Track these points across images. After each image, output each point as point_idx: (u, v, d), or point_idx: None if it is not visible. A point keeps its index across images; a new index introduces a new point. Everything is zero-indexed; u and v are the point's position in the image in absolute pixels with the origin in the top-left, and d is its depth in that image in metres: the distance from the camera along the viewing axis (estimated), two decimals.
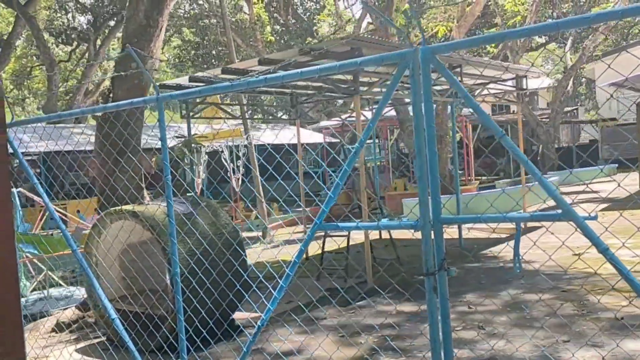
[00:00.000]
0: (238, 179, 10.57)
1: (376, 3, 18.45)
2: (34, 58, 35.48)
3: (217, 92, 2.59)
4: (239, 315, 5.78)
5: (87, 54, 31.07)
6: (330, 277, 7.72)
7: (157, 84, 8.99)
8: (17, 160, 3.24)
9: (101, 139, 6.72)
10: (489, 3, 18.42)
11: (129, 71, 6.80)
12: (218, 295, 5.11)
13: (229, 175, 10.05)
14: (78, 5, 27.75)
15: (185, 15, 29.36)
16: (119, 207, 5.20)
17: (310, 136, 19.84)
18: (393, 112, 15.24)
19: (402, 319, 5.39)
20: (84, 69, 24.06)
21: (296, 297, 6.35)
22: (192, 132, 9.46)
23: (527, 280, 6.41)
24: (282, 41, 25.22)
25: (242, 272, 5.30)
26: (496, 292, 6.10)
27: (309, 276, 7.15)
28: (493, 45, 16.97)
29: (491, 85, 9.35)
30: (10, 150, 3.36)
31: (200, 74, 8.00)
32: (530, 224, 10.27)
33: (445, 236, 2.30)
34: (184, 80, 7.93)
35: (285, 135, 19.86)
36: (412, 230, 2.26)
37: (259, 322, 2.92)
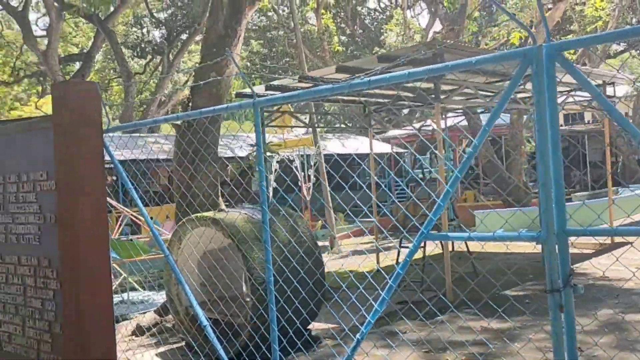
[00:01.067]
0: (308, 187, 10.53)
1: (447, 12, 18.12)
2: (111, 71, 37.01)
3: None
4: (314, 326, 5.68)
5: (160, 67, 32.14)
6: (403, 289, 7.50)
7: (234, 92, 9.12)
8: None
9: (184, 146, 6.84)
10: (566, 9, 17.74)
11: (209, 79, 6.89)
12: (298, 304, 5.03)
13: (299, 184, 10.02)
14: (153, 20, 28.80)
15: (253, 27, 29.85)
16: (200, 214, 5.22)
17: (377, 146, 19.63)
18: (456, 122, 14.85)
19: (489, 336, 5.12)
20: (158, 81, 24.89)
21: (368, 309, 6.18)
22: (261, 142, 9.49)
23: (622, 299, 5.98)
24: (349, 51, 25.21)
25: (322, 281, 5.20)
26: (590, 311, 5.71)
27: (377, 288, 6.96)
28: (571, 51, 16.30)
29: (578, 92, 8.90)
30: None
31: (276, 82, 8.03)
32: (616, 240, 9.69)
33: (518, 249, 2.10)
34: (259, 89, 7.97)
35: (351, 144, 19.77)
36: (482, 243, 2.07)
37: (357, 335, 2.79)
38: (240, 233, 4.84)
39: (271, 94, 7.94)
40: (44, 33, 26.42)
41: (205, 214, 5.22)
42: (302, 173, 10.18)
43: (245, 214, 5.19)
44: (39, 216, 3.42)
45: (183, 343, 5.67)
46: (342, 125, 12.69)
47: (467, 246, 7.80)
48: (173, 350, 5.62)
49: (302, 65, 13.16)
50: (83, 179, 3.14)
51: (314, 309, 5.29)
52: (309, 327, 5.54)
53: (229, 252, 5.76)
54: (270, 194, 10.09)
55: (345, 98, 8.39)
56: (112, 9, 22.17)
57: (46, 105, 32.84)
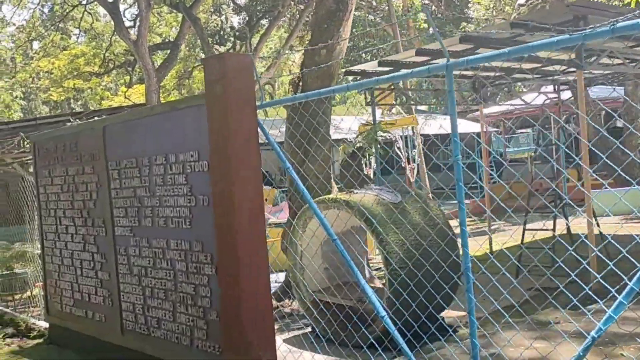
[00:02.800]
0: (413, 168, 10.15)
1: None
2: (194, 60, 37.73)
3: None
4: (447, 313, 5.35)
5: (242, 51, 32.42)
6: (529, 274, 7.00)
7: (342, 70, 8.83)
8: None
9: (291, 129, 6.64)
10: None
11: (317, 60, 6.64)
12: (431, 290, 4.71)
13: (402, 165, 9.66)
14: (234, 6, 29.04)
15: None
16: (328, 196, 4.99)
17: (466, 126, 18.82)
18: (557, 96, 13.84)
19: None
20: None
21: (494, 295, 5.77)
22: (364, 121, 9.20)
23: None
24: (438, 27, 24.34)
25: (458, 264, 4.86)
26: None
27: (504, 273, 6.51)
28: None
29: None
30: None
31: (390, 57, 7.68)
32: None
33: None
34: (371, 65, 7.65)
35: (437, 125, 19.07)
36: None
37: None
38: (378, 215, 4.56)
39: (383, 72, 7.59)
40: (131, 24, 27.27)
41: (337, 195, 4.98)
42: (406, 154, 9.82)
43: (375, 195, 4.91)
44: (189, 198, 3.28)
45: (308, 329, 5.49)
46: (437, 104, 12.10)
47: (599, 228, 7.15)
48: (299, 338, 5.46)
49: (397, 44, 12.75)
50: (239, 159, 2.94)
51: (449, 294, 4.95)
52: (442, 313, 5.21)
53: (353, 236, 5.51)
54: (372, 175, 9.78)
55: (455, 72, 7.91)
56: None
57: (134, 95, 34.00)
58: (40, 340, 4.96)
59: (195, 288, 3.29)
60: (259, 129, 3.06)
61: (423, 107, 20.69)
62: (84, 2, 28.93)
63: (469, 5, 24.16)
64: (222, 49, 33.61)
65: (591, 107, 13.20)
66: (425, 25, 23.13)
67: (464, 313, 5.60)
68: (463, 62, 2.34)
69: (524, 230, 7.09)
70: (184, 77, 35.75)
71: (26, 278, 8.18)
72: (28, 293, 10.03)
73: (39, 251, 5.85)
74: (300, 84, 6.92)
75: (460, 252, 5.16)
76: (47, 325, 5.01)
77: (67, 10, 31.20)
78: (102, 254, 4.09)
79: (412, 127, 10.37)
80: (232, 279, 2.97)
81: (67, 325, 4.58)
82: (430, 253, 4.72)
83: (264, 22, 29.66)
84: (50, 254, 4.72)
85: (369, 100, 7.39)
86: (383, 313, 2.88)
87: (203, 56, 41.42)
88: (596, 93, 13.75)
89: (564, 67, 7.63)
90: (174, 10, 31.02)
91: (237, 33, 27.21)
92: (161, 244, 3.52)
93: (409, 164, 10.02)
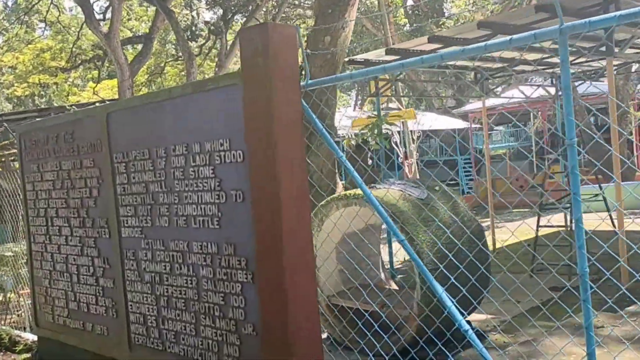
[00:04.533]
0: (411, 164, 9.82)
1: None
2: (166, 55, 36.84)
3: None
4: (473, 317, 5.01)
5: (219, 47, 31.71)
6: (540, 272, 6.73)
7: (347, 59, 8.43)
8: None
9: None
10: None
11: (320, 48, 6.22)
12: (466, 294, 4.36)
13: (399, 160, 9.33)
14: (208, 0, 28.32)
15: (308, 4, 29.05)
16: (350, 192, 4.59)
17: (453, 122, 18.61)
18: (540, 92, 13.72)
19: None
20: (218, 61, 24.46)
21: (514, 296, 5.45)
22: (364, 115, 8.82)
23: None
24: (413, 24, 24.19)
25: (488, 266, 4.52)
26: None
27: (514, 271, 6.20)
28: None
29: None
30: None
31: (396, 46, 7.31)
32: None
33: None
34: (376, 54, 7.28)
35: (424, 120, 18.84)
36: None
37: None
38: (405, 212, 4.18)
39: (391, 60, 7.22)
40: (101, 17, 26.33)
41: (357, 191, 4.58)
42: (404, 149, 9.48)
43: (400, 190, 4.52)
44: (218, 194, 2.83)
45: (323, 336, 5.08)
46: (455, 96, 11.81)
47: (612, 221, 6.91)
48: None
49: (387, 39, 12.42)
50: (284, 148, 2.51)
51: (479, 298, 4.61)
52: (468, 318, 4.87)
53: (370, 235, 5.12)
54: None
55: (458, 63, 7.62)
56: None
57: (104, 91, 32.98)
58: (28, 355, 4.45)
59: (224, 297, 2.85)
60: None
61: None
62: None
63: (447, 1, 24.05)
64: (194, 45, 32.86)
65: (578, 102, 13.09)
66: (405, 20, 22.93)
67: (486, 316, 5.27)
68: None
69: (538, 226, 6.81)
70: (155, 73, 34.86)
71: (3, 284, 7.55)
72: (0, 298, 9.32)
73: (27, 256, 5.27)
74: (303, 72, 6.49)
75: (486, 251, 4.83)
76: (34, 338, 4.48)
77: (33, 3, 30.01)
78: (104, 258, 3.60)
79: (405, 122, 10.03)
80: (276, 287, 2.53)
81: (59, 338, 4.07)
82: (461, 253, 4.36)
83: (238, 17, 29.04)
84: (39, 258, 4.19)
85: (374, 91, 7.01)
86: (467, 327, 2.48)
87: (175, 52, 40.49)
88: (583, 89, 13.71)
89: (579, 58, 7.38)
90: (145, 3, 30.14)
91: (212, 28, 26.53)
92: (180, 247, 3.06)
93: (406, 159, 9.71)
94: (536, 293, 5.54)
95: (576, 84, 12.53)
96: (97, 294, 3.68)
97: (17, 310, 8.40)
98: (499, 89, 9.45)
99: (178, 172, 3.03)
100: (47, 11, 29.93)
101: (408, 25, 25.24)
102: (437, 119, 18.34)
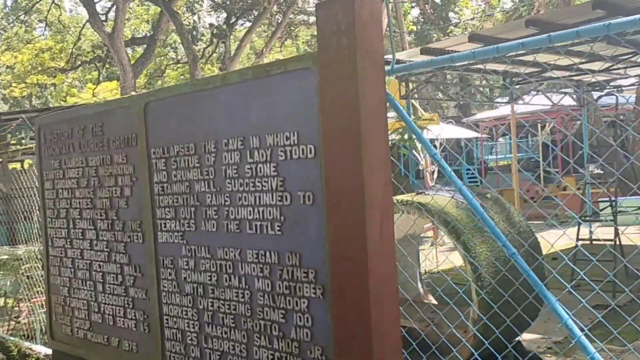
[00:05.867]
0: (432, 172, 9.48)
1: None
2: (165, 59, 36.51)
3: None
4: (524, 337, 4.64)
5: (218, 51, 31.39)
6: (578, 288, 6.36)
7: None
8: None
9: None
10: None
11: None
12: (516, 310, 4.00)
13: (421, 167, 9.00)
14: (212, 3, 28.05)
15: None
16: (398, 198, 4.22)
17: (463, 132, 18.28)
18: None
19: None
20: (221, 64, 24.15)
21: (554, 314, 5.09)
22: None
23: None
24: (420, 31, 23.97)
25: (544, 278, 4.16)
26: None
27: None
28: None
29: None
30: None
31: (432, 45, 6.98)
32: None
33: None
34: (454, 41, 6.86)
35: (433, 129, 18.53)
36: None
37: None
38: (462, 221, 3.82)
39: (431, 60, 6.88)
40: (103, 17, 25.99)
41: (405, 197, 4.21)
42: (424, 155, 9.15)
43: (451, 197, 4.16)
44: (281, 195, 2.46)
45: None
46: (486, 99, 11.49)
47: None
48: None
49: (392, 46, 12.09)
50: (370, 141, 2.15)
51: (531, 316, 4.25)
52: (517, 337, 4.50)
53: (407, 245, 4.76)
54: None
55: (487, 67, 7.30)
56: None
57: (103, 93, 32.57)
58: None
59: (285, 314, 2.47)
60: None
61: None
62: None
63: (455, 10, 23.84)
64: (195, 48, 32.56)
65: (593, 113, 12.82)
66: (413, 27, 22.70)
67: (534, 336, 4.91)
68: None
69: (579, 239, 6.45)
70: (155, 75, 34.50)
71: (5, 289, 7.14)
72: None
73: (41, 260, 4.87)
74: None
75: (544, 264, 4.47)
76: (48, 351, 4.08)
77: (34, 2, 29.68)
78: (135, 265, 3.22)
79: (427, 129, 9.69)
80: (357, 308, 2.16)
81: (78, 353, 3.67)
82: (517, 266, 3.98)
83: (241, 21, 28.77)
84: (57, 264, 3.80)
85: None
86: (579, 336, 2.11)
87: (174, 55, 40.25)
88: (605, 101, 13.43)
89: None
90: (146, 3, 29.81)
91: (215, 31, 26.24)
92: (231, 255, 2.68)
93: (427, 166, 9.39)
94: (578, 312, 5.19)
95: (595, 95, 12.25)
96: (126, 305, 3.29)
97: (16, 317, 7.97)
98: (526, 96, 9.15)
99: (231, 170, 2.66)
100: (48, 11, 29.58)
101: (413, 34, 25.00)
102: (443, 129, 18.07)
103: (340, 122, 2.18)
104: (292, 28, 29.62)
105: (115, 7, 20.24)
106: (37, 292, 6.94)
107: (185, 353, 2.96)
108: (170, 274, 3.01)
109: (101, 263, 3.44)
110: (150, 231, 3.10)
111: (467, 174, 20.63)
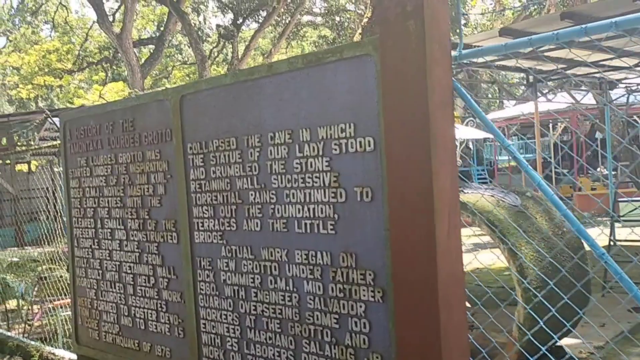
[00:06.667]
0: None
1: None
2: (171, 59, 36.44)
3: None
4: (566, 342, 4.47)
5: (224, 52, 31.30)
6: (611, 290, 6.17)
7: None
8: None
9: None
10: None
11: None
12: (560, 314, 3.83)
13: None
14: (219, 4, 27.94)
15: (321, 12, 28.71)
16: None
17: (471, 133, 18.09)
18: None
19: None
20: (230, 65, 24.03)
21: (591, 317, 4.91)
22: None
23: None
24: None
25: (589, 283, 3.99)
26: None
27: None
28: None
29: None
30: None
31: (512, 25, 6.78)
32: None
33: None
34: (485, 35, 6.68)
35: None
36: None
37: None
38: (505, 221, 3.66)
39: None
40: (110, 18, 25.90)
41: None
42: None
43: (491, 196, 3.99)
44: (334, 192, 2.30)
45: None
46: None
47: None
48: None
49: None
50: (438, 132, 1.99)
51: (575, 320, 4.07)
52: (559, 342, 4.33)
53: None
54: None
55: (508, 64, 7.13)
56: None
57: (109, 93, 32.45)
58: None
59: (339, 319, 2.31)
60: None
61: None
62: None
63: (466, 10, 23.65)
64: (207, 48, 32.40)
65: (615, 114, 12.61)
66: None
67: (575, 340, 4.74)
68: None
69: (612, 240, 6.28)
70: (161, 77, 34.41)
71: (20, 290, 7.02)
72: (8, 306, 8.77)
73: (55, 261, 4.73)
74: None
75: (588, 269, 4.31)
76: (72, 356, 3.93)
77: (41, 3, 29.63)
78: (169, 267, 3.06)
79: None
80: (424, 310, 2.00)
81: (106, 358, 3.52)
82: (562, 269, 3.82)
83: (247, 21, 28.66)
84: (83, 265, 3.65)
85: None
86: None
87: (180, 57, 40.15)
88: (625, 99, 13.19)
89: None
90: (153, 3, 29.70)
91: (223, 32, 26.13)
92: (277, 256, 2.53)
93: None
94: (615, 314, 5.01)
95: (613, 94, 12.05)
96: (159, 308, 3.14)
97: (29, 320, 7.84)
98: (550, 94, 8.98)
99: (277, 165, 2.50)
100: (55, 12, 29.52)
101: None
102: (458, 128, 17.87)
103: (406, 112, 2.02)
104: (299, 28, 29.49)
105: (123, 7, 20.11)
106: (51, 293, 6.80)
107: (224, 359, 2.80)
108: (208, 275, 2.85)
109: (131, 264, 3.29)
110: (186, 231, 2.94)
111: (477, 174, 20.44)
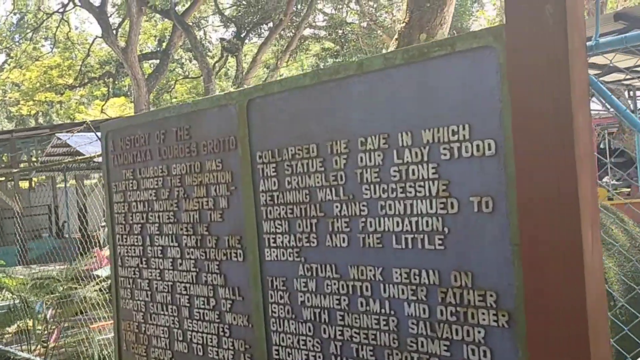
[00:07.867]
0: None
1: None
2: (174, 73, 36.32)
3: None
4: None
5: (227, 66, 31.21)
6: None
7: None
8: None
9: None
10: None
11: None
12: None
13: None
14: (222, 18, 27.86)
15: (325, 25, 28.68)
16: None
17: None
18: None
19: None
20: (235, 79, 23.87)
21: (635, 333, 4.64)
22: None
23: None
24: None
25: None
26: None
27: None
28: None
29: None
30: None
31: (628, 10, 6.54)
32: None
33: None
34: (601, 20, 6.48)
35: None
36: None
37: None
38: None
39: None
40: (114, 32, 25.79)
41: None
42: None
43: None
44: (443, 202, 2.04)
45: None
46: None
47: None
48: None
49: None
50: (577, 132, 1.73)
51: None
52: None
53: None
54: None
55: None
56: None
57: (111, 108, 32.25)
58: None
59: (449, 347, 2.04)
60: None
61: None
62: (61, 10, 27.41)
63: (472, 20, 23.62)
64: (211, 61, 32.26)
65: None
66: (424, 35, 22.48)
67: None
68: None
69: None
70: (163, 91, 34.28)
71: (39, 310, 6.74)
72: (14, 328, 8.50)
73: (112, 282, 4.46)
74: None
75: None
76: None
77: (43, 19, 29.53)
78: (233, 287, 2.79)
79: None
80: (570, 340, 1.73)
81: None
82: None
83: (250, 35, 28.59)
84: (129, 286, 3.37)
85: None
86: None
87: (181, 71, 40.12)
88: None
89: None
90: (155, 18, 29.64)
91: (226, 45, 26.00)
92: (369, 275, 2.26)
93: None
94: None
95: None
96: (221, 333, 2.86)
97: (44, 341, 7.53)
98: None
99: (369, 174, 2.24)
100: (57, 27, 29.39)
101: None
102: None
103: (543, 110, 1.77)
104: (301, 41, 29.42)
105: (128, 21, 19.95)
106: (75, 314, 6.51)
107: None
108: (281, 297, 2.58)
109: (187, 285, 3.01)
110: (254, 248, 2.67)
111: None
